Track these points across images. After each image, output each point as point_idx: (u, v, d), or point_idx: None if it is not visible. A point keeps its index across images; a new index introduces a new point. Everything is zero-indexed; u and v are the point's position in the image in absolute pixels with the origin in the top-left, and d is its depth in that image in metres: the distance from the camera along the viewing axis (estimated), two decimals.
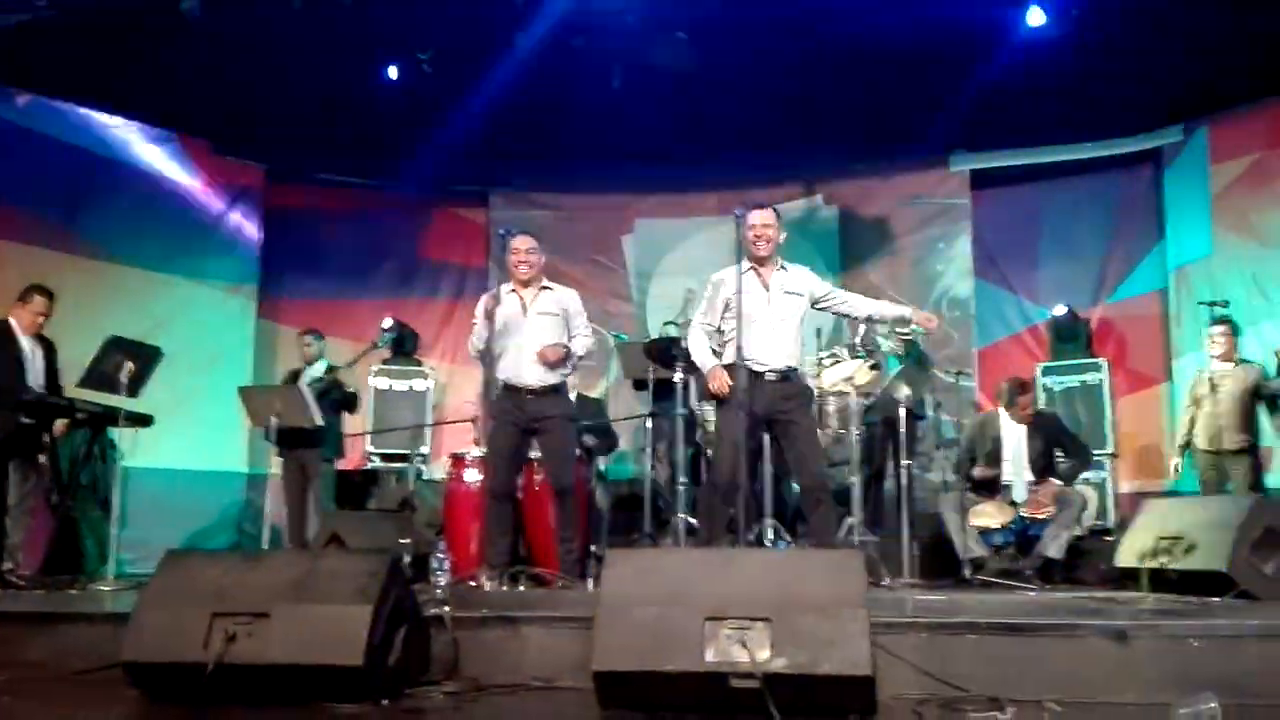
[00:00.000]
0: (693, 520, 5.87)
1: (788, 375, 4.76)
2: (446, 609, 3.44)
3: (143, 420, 6.16)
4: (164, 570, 3.31)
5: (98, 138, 7.92)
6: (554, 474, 5.21)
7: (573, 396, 6.73)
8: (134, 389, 5.77)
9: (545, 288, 5.28)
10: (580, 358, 5.30)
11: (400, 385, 8.45)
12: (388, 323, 8.04)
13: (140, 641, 3.10)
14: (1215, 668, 3.07)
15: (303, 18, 6.58)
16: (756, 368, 4.64)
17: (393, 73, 7.73)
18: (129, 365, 5.68)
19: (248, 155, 8.66)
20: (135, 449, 6.56)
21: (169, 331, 7.71)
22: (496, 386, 5.08)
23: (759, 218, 4.84)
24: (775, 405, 4.71)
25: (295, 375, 7.03)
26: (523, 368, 5.07)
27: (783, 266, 4.94)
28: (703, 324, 4.93)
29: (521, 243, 5.20)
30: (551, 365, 5.07)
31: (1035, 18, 7.05)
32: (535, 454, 5.41)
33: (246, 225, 8.68)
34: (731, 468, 4.61)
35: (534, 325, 5.13)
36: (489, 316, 5.03)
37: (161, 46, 7.03)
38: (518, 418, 5.08)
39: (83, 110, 7.83)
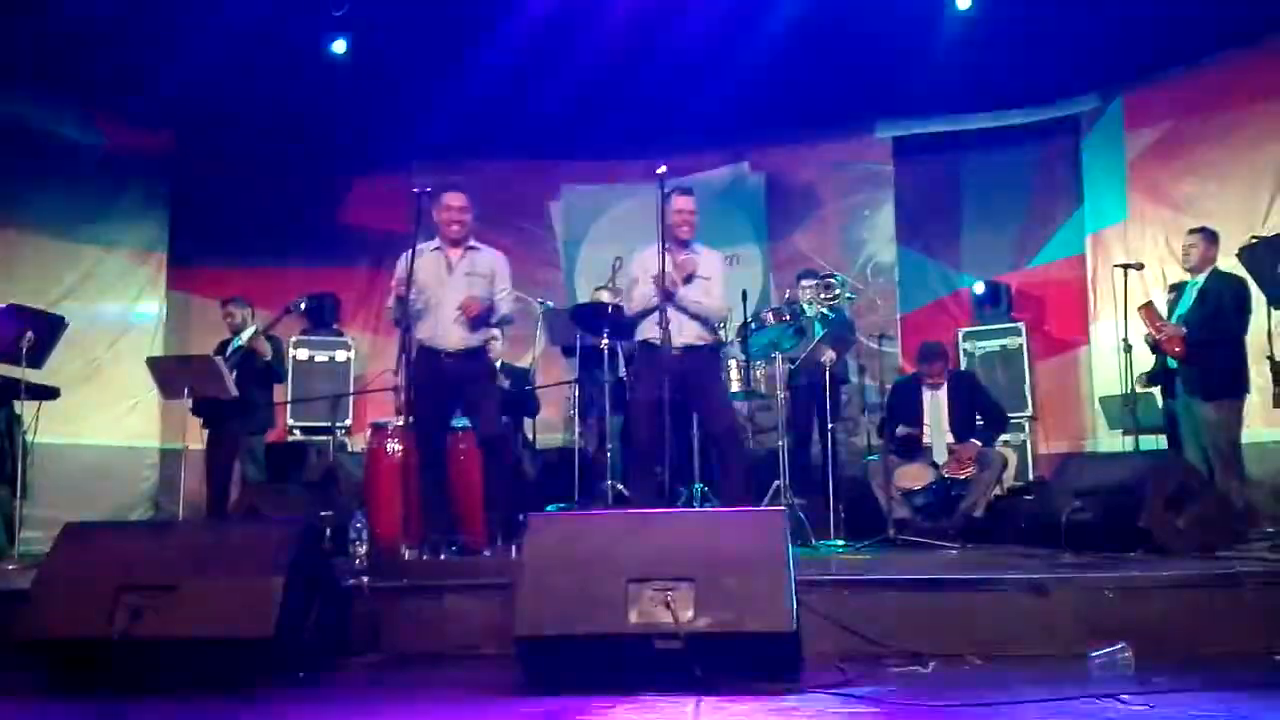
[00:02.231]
0: (622, 487, 5.86)
1: (698, 347, 5.02)
2: (365, 579, 3.36)
3: (48, 393, 5.92)
4: (64, 544, 3.17)
5: (0, 102, 7.52)
6: (481, 424, 5.07)
7: (498, 365, 6.68)
8: (36, 360, 5.54)
9: (472, 248, 5.10)
10: (502, 319, 5.16)
11: (321, 356, 8.25)
12: (302, 304, 7.80)
13: (40, 619, 2.97)
14: (1129, 617, 3.14)
15: None
16: (675, 343, 4.84)
17: (310, 34, 7.47)
18: (30, 334, 5.45)
19: (158, 121, 8.31)
20: (42, 423, 6.31)
21: (76, 300, 7.44)
22: (413, 351, 4.89)
23: (682, 203, 5.07)
24: (688, 375, 4.96)
25: (224, 346, 6.80)
26: (445, 329, 4.91)
27: (695, 250, 5.15)
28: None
29: (454, 199, 5.02)
30: (473, 320, 4.89)
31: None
32: (460, 422, 5.31)
33: (156, 191, 8.34)
34: (650, 432, 4.83)
35: (459, 286, 4.95)
36: (410, 276, 4.79)
37: (66, 8, 6.69)
38: (439, 381, 4.93)
39: None
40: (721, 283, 5.19)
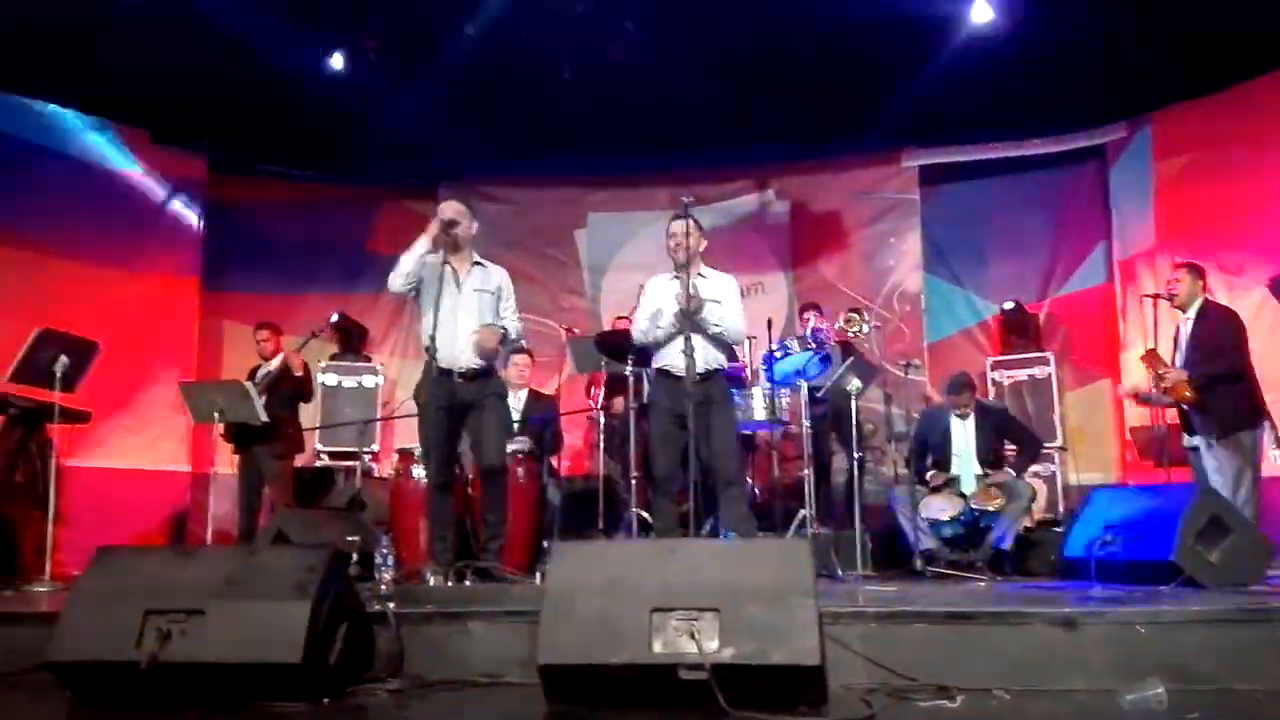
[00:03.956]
0: (646, 515, 5.85)
1: (709, 376, 4.91)
2: (390, 605, 3.37)
3: (80, 417, 6.00)
4: (95, 567, 3.19)
5: (33, 127, 7.67)
6: (484, 451, 4.92)
7: (523, 395, 6.71)
8: (69, 384, 5.61)
9: (477, 263, 5.02)
10: (513, 341, 5.14)
11: (349, 381, 8.32)
12: (334, 316, 7.92)
13: (69, 641, 2.99)
14: (1161, 654, 3.08)
15: (247, 5, 6.43)
16: (679, 371, 4.76)
17: (338, 62, 7.59)
18: (64, 359, 5.53)
19: (189, 145, 8.46)
20: (74, 447, 6.41)
21: (107, 326, 7.53)
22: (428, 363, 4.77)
23: (675, 227, 4.94)
24: (700, 402, 4.83)
25: (254, 372, 6.89)
26: (457, 350, 4.81)
27: (701, 273, 5.02)
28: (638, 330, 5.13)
29: (448, 207, 4.95)
30: (487, 352, 4.85)
31: (981, 13, 7.09)
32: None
33: (188, 217, 8.48)
34: (667, 464, 4.85)
35: (470, 306, 4.88)
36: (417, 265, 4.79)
37: (98, 34, 6.85)
38: (450, 403, 4.81)
39: (13, 97, 7.58)
40: (737, 304, 5.09)
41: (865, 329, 6.69)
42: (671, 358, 4.85)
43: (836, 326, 6.66)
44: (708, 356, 4.90)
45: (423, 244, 4.80)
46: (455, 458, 5.12)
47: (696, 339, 4.80)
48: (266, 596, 2.96)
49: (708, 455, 4.93)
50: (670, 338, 4.88)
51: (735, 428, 5.26)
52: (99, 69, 7.34)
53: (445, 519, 4.88)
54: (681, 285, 4.77)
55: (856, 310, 6.66)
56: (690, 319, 4.76)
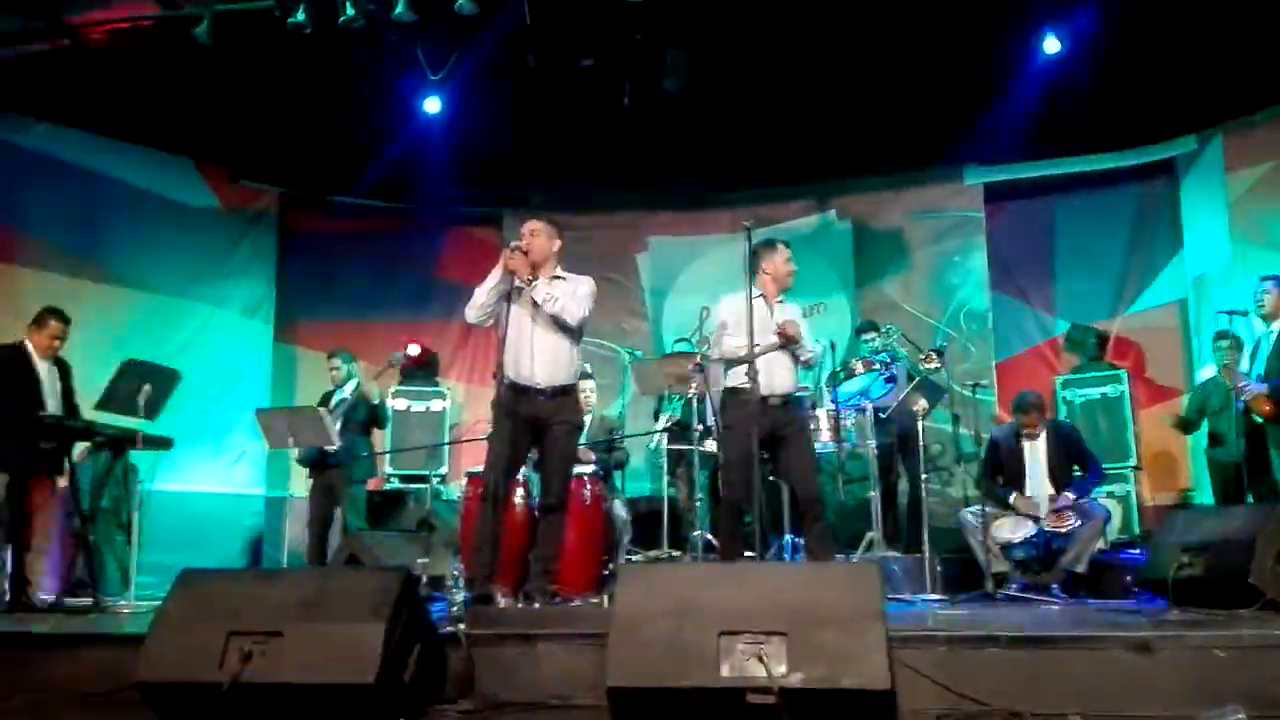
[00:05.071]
0: (711, 537, 5.86)
1: (789, 400, 4.99)
2: (461, 626, 3.42)
3: (162, 443, 6.19)
4: (179, 590, 3.30)
5: (115, 164, 7.99)
6: (549, 488, 4.86)
7: (588, 419, 6.75)
8: (152, 411, 5.80)
9: (558, 277, 4.88)
10: (571, 326, 4.85)
11: (418, 406, 8.47)
12: (414, 349, 8.09)
13: (155, 661, 3.09)
14: (1241, 679, 3.01)
15: (315, 42, 6.62)
16: (763, 392, 4.80)
17: (407, 95, 7.77)
18: (147, 388, 5.71)
19: (263, 180, 8.73)
20: (156, 472, 6.62)
21: (187, 355, 7.78)
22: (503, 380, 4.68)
23: (787, 255, 5.16)
24: (778, 427, 4.93)
25: (327, 398, 7.06)
26: (526, 365, 4.73)
27: (781, 299, 5.15)
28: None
29: (525, 225, 4.91)
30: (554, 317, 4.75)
31: (1051, 45, 7.10)
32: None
33: (263, 249, 8.75)
34: (744, 485, 4.72)
35: (544, 318, 4.76)
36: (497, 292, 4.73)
37: (176, 73, 7.11)
38: (523, 416, 4.71)
39: (100, 138, 7.90)
40: (808, 330, 5.21)
41: (942, 372, 6.58)
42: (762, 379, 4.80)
43: (918, 363, 6.55)
44: (791, 379, 5.03)
45: (495, 274, 4.77)
46: (515, 472, 5.03)
47: (786, 361, 4.92)
48: (342, 618, 3.04)
49: (791, 478, 4.96)
50: (741, 360, 4.86)
51: (816, 457, 5.33)
52: (176, 108, 7.62)
53: (486, 535, 4.61)
54: (773, 309, 5.00)
55: (939, 351, 6.56)
56: (790, 343, 4.92)
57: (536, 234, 4.85)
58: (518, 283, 4.70)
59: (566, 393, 4.85)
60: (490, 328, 4.96)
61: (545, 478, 4.91)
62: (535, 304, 4.76)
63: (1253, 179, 7.54)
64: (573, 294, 4.82)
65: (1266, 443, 5.55)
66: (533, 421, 4.77)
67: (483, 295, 4.81)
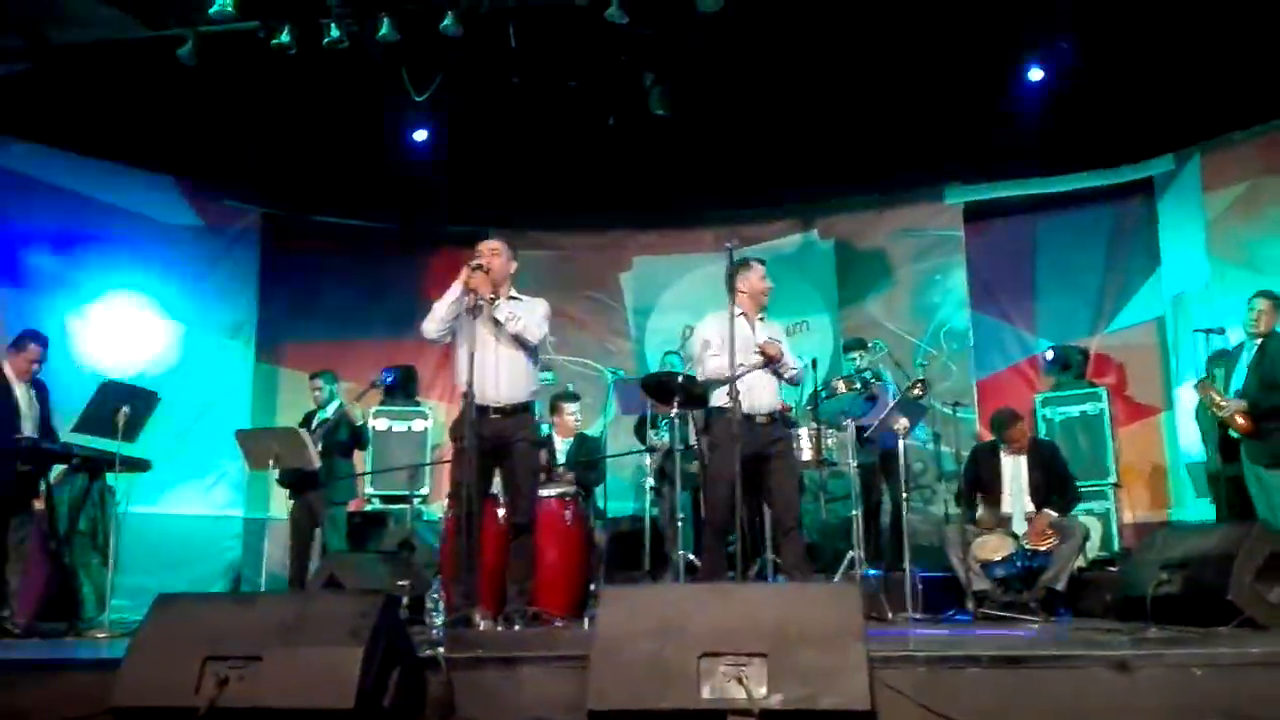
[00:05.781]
0: (693, 557, 5.85)
1: (775, 417, 5.09)
2: (441, 650, 3.40)
3: (140, 465, 6.15)
4: (155, 614, 3.27)
5: (94, 183, 7.94)
6: (514, 507, 4.92)
7: (569, 439, 6.76)
8: (130, 433, 5.76)
9: (514, 297, 5.01)
10: (531, 345, 4.98)
11: (399, 426, 8.42)
12: (388, 379, 8.07)
13: (131, 686, 3.06)
14: (1220, 697, 3.02)
15: (298, 61, 6.63)
16: (747, 411, 4.88)
17: (391, 114, 7.78)
18: (125, 409, 5.68)
19: (244, 198, 8.70)
20: (133, 494, 6.55)
21: (167, 376, 7.73)
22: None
23: (763, 273, 5.25)
24: (763, 445, 4.99)
25: (309, 419, 7.03)
26: (490, 385, 4.79)
27: (762, 317, 5.22)
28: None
29: (483, 244, 5.01)
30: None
31: (1035, 75, 7.24)
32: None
33: (245, 268, 8.70)
34: (727, 506, 4.73)
35: (504, 338, 4.85)
36: (456, 308, 4.79)
37: (158, 92, 7.10)
38: (482, 442, 4.72)
39: (81, 157, 7.85)
40: (790, 348, 5.29)
41: (926, 399, 6.67)
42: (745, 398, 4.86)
43: (904, 389, 6.61)
44: (774, 397, 5.13)
45: (455, 290, 4.85)
46: (483, 498, 5.02)
47: (768, 380, 5.01)
48: (320, 642, 3.01)
49: (772, 498, 5.01)
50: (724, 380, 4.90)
51: (799, 477, 5.39)
52: (156, 126, 7.59)
53: (463, 563, 4.66)
54: (754, 328, 5.08)
55: (924, 381, 6.65)
56: (772, 361, 5.00)
57: (497, 253, 4.96)
58: (480, 300, 4.77)
59: (524, 410, 4.94)
60: (447, 345, 5.03)
61: (512, 497, 4.97)
62: (497, 323, 4.84)
63: (1230, 198, 7.63)
64: (531, 313, 4.94)
65: (1241, 457, 5.60)
66: (494, 440, 4.82)
67: (442, 309, 4.89)
